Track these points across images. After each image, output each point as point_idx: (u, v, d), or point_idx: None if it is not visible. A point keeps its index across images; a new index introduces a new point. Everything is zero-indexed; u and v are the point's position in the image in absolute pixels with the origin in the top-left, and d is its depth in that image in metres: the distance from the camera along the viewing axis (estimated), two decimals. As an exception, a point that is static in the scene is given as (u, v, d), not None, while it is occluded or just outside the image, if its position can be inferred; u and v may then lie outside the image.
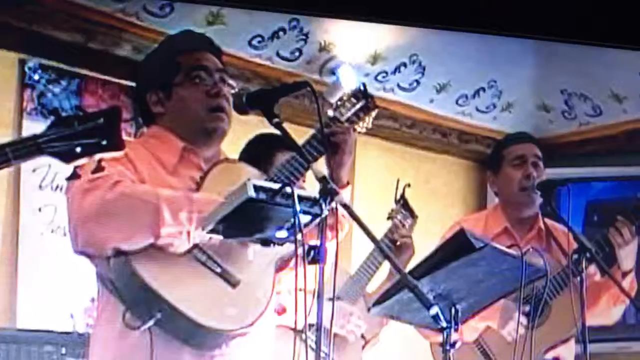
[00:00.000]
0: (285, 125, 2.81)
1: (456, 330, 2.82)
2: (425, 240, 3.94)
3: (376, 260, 4.26)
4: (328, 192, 2.63)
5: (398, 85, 6.08)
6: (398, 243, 4.29)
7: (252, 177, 2.75)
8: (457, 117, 6.50)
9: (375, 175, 6.13)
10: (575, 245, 3.64)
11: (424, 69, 6.00)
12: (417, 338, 4.08)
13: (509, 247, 2.92)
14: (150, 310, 2.66)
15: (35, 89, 5.13)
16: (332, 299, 2.60)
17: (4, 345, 4.36)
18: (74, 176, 2.45)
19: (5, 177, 4.98)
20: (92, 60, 5.22)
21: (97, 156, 2.31)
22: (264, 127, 2.96)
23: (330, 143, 3.00)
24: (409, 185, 4.50)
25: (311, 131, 3.02)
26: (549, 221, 4.14)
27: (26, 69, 5.11)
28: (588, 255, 3.57)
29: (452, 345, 2.77)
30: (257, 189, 2.58)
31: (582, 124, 6.54)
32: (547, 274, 2.99)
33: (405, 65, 5.95)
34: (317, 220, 2.65)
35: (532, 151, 4.21)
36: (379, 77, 5.95)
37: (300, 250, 2.57)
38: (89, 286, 3.11)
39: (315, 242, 2.64)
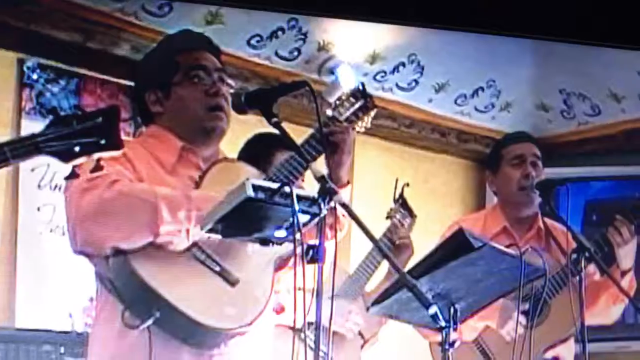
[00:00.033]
0: (284, 124, 2.81)
1: (455, 329, 2.82)
2: (424, 240, 3.94)
3: (375, 259, 4.26)
4: (327, 191, 2.63)
5: (397, 85, 6.08)
6: (397, 244, 4.29)
7: (251, 177, 2.76)
8: (455, 116, 6.50)
9: (374, 174, 6.13)
10: (574, 245, 3.64)
11: (422, 68, 5.99)
12: (416, 337, 4.09)
13: (507, 246, 2.92)
14: (149, 309, 2.66)
15: (33, 88, 5.12)
16: (331, 298, 2.60)
17: (3, 344, 4.36)
18: (73, 175, 2.45)
19: (4, 177, 4.97)
20: (90, 60, 5.22)
21: (96, 155, 2.31)
22: (263, 126, 2.96)
23: (329, 142, 2.99)
24: (407, 184, 4.50)
25: (310, 131, 3.02)
26: (548, 221, 4.15)
27: (25, 69, 5.10)
28: (587, 254, 3.57)
29: (451, 344, 2.77)
30: (256, 188, 2.58)
31: (580, 124, 6.54)
32: (545, 273, 3.00)
33: (404, 64, 5.94)
34: (316, 219, 2.65)
35: (531, 151, 4.21)
36: (378, 77, 5.95)
37: (299, 250, 2.58)
38: (87, 286, 3.11)
39: (314, 241, 2.64)
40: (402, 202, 4.45)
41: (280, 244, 2.77)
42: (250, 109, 2.85)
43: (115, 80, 5.34)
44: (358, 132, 3.18)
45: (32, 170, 5.00)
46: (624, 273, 4.06)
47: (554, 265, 3.89)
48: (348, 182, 3.06)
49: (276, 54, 5.58)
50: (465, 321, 3.00)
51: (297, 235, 2.57)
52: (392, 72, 5.95)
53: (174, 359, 2.75)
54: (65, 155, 2.27)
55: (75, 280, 4.81)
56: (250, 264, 2.83)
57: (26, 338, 4.45)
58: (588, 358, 3.35)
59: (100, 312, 2.89)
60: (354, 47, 5.72)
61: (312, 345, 2.61)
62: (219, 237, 2.72)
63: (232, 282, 2.79)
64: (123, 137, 2.35)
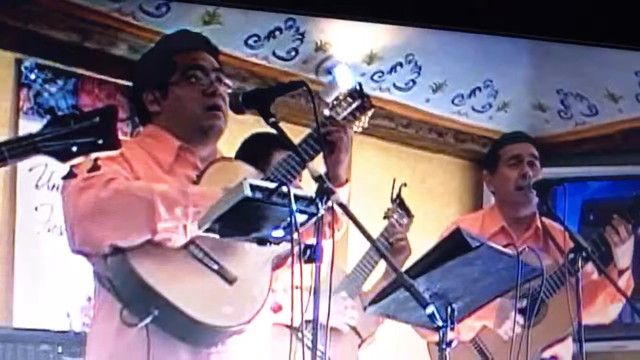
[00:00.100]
0: (282, 124, 2.81)
1: (452, 329, 2.83)
2: (421, 240, 3.94)
3: (372, 259, 4.27)
4: (324, 191, 2.63)
5: (394, 85, 6.08)
6: (394, 243, 4.29)
7: (249, 176, 2.76)
8: (453, 116, 6.50)
9: (372, 174, 6.13)
10: (571, 245, 3.65)
11: (419, 68, 6.00)
12: (413, 337, 4.09)
13: (505, 246, 2.92)
14: (148, 308, 2.66)
15: (31, 88, 5.12)
16: (328, 298, 2.60)
17: (0, 344, 4.35)
18: (70, 175, 2.46)
19: (2, 176, 4.98)
20: (88, 60, 5.22)
21: (93, 155, 2.31)
22: (260, 126, 2.96)
23: (327, 142, 3.00)
24: (405, 184, 4.51)
25: (307, 130, 3.02)
26: (546, 220, 4.15)
27: (22, 69, 5.11)
28: (584, 254, 3.57)
29: (449, 344, 2.77)
30: (253, 188, 2.58)
31: (578, 124, 6.55)
32: (543, 273, 3.00)
33: (401, 64, 5.95)
34: (314, 219, 2.66)
35: (529, 150, 4.22)
36: (375, 77, 5.95)
37: (296, 250, 2.58)
38: (85, 285, 3.12)
39: (311, 240, 2.64)
40: (399, 202, 4.46)
41: (278, 243, 2.77)
42: (248, 109, 2.85)
43: (112, 80, 5.35)
44: (355, 131, 3.18)
45: (30, 170, 5.00)
46: (621, 272, 4.07)
47: (552, 265, 3.90)
48: (347, 181, 3.06)
49: (274, 54, 5.58)
50: (463, 321, 3.00)
51: (295, 235, 2.57)
52: (390, 72, 5.96)
53: (172, 357, 2.75)
54: (62, 155, 2.27)
55: (72, 280, 4.81)
56: (248, 262, 2.84)
57: (24, 337, 4.44)
58: (585, 357, 3.36)
59: (99, 310, 2.90)
60: (351, 47, 5.72)
61: (310, 345, 2.62)
62: (216, 237, 2.72)
63: (230, 280, 2.79)
64: (120, 136, 2.35)
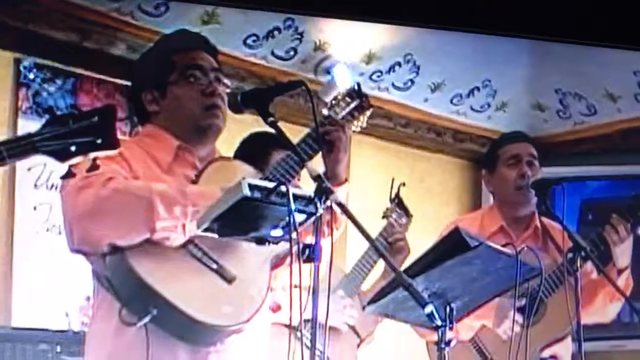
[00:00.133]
0: (280, 124, 2.81)
1: (451, 328, 2.82)
2: (420, 239, 3.94)
3: (371, 258, 4.26)
4: (323, 190, 2.63)
5: (393, 85, 6.08)
6: (393, 243, 4.29)
7: (248, 175, 2.76)
8: (451, 116, 6.51)
9: (370, 174, 6.13)
10: (570, 244, 3.65)
11: (418, 68, 6.00)
12: (412, 336, 4.09)
13: (504, 245, 2.92)
14: (147, 307, 2.66)
15: (30, 87, 5.13)
16: (327, 297, 2.60)
17: (-1, 343, 4.37)
18: (69, 175, 2.46)
19: (0, 176, 4.98)
20: (87, 60, 5.22)
21: (92, 155, 2.31)
22: (259, 126, 2.96)
23: (325, 141, 3.00)
24: (403, 184, 4.51)
25: (306, 130, 3.02)
26: (545, 220, 4.15)
27: (21, 68, 5.11)
28: (583, 253, 3.58)
29: (447, 343, 2.77)
30: (252, 187, 2.58)
31: (576, 123, 6.55)
32: (541, 272, 3.00)
33: (399, 64, 5.95)
34: (312, 219, 2.66)
35: (527, 150, 4.22)
36: (374, 77, 5.96)
37: (295, 249, 2.58)
38: (84, 284, 3.12)
39: (310, 240, 2.64)
40: (398, 202, 4.46)
41: (277, 243, 2.77)
42: (247, 109, 2.85)
43: (111, 79, 5.35)
44: (354, 131, 3.18)
45: (29, 169, 5.00)
46: (620, 271, 4.07)
47: (551, 264, 3.89)
48: (346, 180, 3.06)
49: (272, 53, 5.59)
50: (462, 320, 3.00)
51: (293, 235, 2.57)
52: (388, 71, 5.96)
53: (171, 356, 2.75)
54: (61, 155, 2.27)
55: (71, 279, 4.82)
56: (246, 261, 2.84)
57: (23, 337, 4.45)
58: (584, 357, 3.36)
59: (98, 310, 2.90)
60: (350, 47, 5.72)
61: (308, 344, 2.62)
62: (215, 236, 2.72)
63: (229, 280, 2.79)
64: (119, 136, 2.35)
